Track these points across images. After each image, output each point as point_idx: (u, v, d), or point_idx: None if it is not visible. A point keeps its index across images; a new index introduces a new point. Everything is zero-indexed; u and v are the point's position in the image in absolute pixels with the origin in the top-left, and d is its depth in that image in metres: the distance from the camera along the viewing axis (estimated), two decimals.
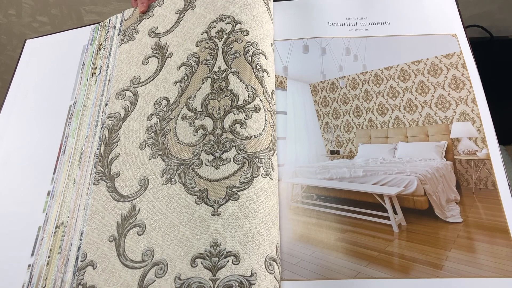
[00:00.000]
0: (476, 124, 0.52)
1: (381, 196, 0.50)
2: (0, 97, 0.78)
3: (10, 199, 0.57)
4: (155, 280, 0.43)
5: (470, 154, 0.51)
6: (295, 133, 0.55)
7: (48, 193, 0.56)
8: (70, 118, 0.62)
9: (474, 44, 0.57)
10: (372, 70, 0.59)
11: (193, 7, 0.62)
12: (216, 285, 0.40)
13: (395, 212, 0.49)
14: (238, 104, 0.50)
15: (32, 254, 0.52)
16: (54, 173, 0.58)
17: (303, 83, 0.59)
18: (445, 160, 0.54)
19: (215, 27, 0.57)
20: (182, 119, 0.52)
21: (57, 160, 0.59)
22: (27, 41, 0.74)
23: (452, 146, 0.52)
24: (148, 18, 0.66)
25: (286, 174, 0.52)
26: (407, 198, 0.50)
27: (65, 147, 0.59)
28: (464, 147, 0.51)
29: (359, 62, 0.59)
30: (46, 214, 0.54)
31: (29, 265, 0.51)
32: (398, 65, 0.58)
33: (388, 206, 0.49)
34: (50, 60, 0.70)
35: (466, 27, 0.57)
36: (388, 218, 0.48)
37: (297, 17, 0.63)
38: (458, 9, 0.60)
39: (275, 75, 0.58)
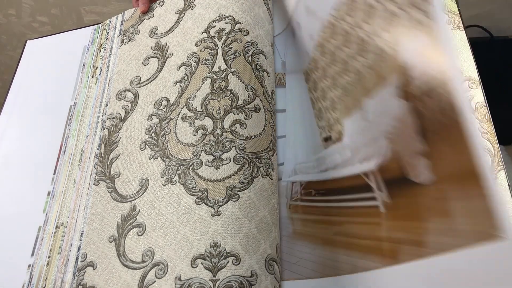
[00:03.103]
0: None
1: (365, 173, 0.47)
2: (0, 97, 0.78)
3: (10, 199, 0.57)
4: (155, 281, 0.43)
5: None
6: (294, 130, 0.54)
7: (48, 193, 0.56)
8: (70, 119, 0.62)
9: (474, 44, 0.56)
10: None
11: (192, 6, 0.62)
12: (216, 285, 0.40)
13: (381, 189, 0.45)
14: (238, 104, 0.50)
15: (32, 254, 0.52)
16: (54, 174, 0.58)
17: (299, 73, 0.58)
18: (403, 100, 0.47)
19: (214, 26, 0.57)
20: (182, 119, 0.52)
21: (57, 161, 0.59)
22: (28, 41, 0.74)
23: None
24: (148, 19, 0.66)
25: (286, 173, 0.52)
26: (386, 169, 0.46)
27: (65, 148, 0.59)
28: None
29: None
30: (46, 214, 0.54)
31: (29, 265, 0.51)
32: None
33: (373, 183, 0.46)
34: (50, 60, 0.70)
35: (466, 27, 0.57)
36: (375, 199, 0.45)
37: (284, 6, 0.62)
38: (458, 9, 0.59)
39: (275, 73, 0.58)
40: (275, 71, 0.58)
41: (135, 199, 0.49)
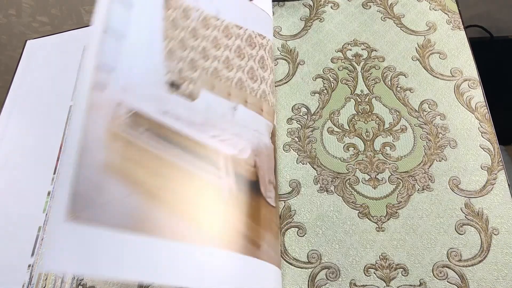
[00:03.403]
0: None
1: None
2: (0, 97, 0.78)
3: (10, 199, 0.57)
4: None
5: None
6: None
7: (48, 193, 0.56)
8: (70, 119, 0.62)
9: (474, 44, 0.56)
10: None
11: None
12: None
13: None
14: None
15: (32, 254, 0.52)
16: (54, 173, 0.58)
17: None
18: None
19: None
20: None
21: (58, 161, 0.59)
22: (28, 41, 0.74)
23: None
24: None
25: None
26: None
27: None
28: None
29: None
30: (46, 215, 0.54)
31: (29, 265, 0.51)
32: None
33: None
34: (50, 60, 0.70)
35: (466, 27, 0.57)
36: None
37: None
38: (458, 9, 0.60)
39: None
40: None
41: None
